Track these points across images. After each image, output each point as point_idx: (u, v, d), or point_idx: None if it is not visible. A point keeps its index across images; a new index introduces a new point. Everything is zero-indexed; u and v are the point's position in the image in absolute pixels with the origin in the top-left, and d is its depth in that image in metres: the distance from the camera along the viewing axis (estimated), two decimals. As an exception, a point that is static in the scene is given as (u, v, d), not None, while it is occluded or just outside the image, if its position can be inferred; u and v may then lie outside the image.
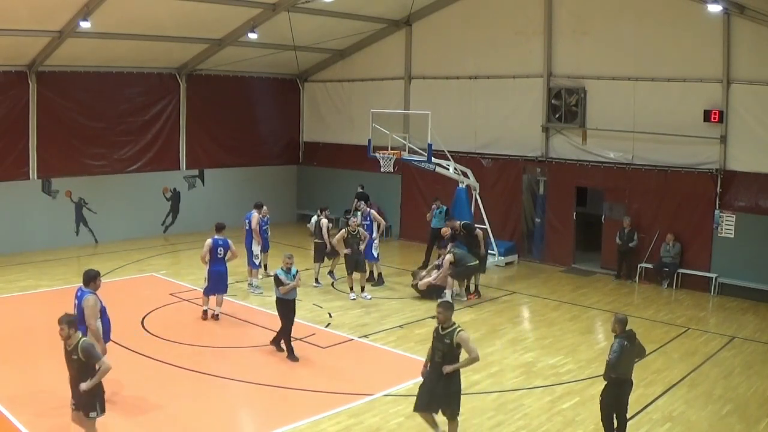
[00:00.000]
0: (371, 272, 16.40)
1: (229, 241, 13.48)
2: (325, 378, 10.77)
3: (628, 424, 9.24)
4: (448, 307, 8.30)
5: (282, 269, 11.55)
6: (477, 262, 15.17)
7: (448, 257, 14.86)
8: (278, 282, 11.47)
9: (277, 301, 11.64)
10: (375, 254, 16.24)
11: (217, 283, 13.43)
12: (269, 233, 16.48)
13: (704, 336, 13.23)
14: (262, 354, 11.83)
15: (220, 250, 13.36)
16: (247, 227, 15.51)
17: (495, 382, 10.71)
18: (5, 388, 9.92)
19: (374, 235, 16.21)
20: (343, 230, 15.26)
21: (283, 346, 11.61)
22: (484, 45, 19.81)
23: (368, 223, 16.25)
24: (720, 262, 16.25)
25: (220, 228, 13.72)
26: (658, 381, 10.81)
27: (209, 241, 13.42)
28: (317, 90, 24.61)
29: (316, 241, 16.20)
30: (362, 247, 15.18)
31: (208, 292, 13.51)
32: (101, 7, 15.63)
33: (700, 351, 12.34)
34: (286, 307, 11.53)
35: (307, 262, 16.54)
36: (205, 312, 13.49)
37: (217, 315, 13.43)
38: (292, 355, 11.42)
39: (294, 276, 11.58)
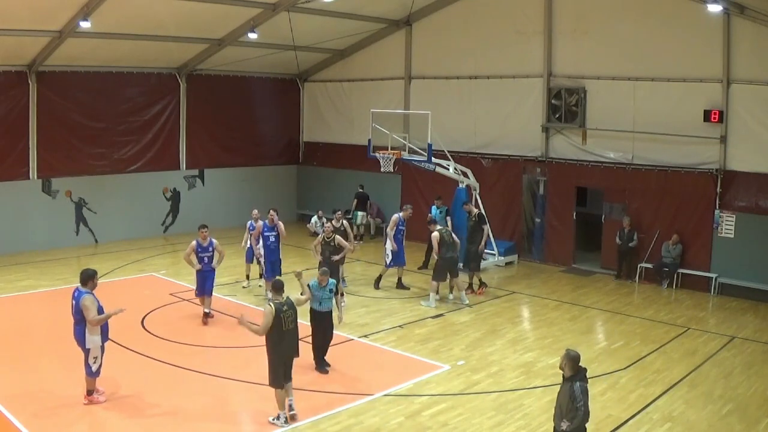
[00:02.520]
0: (399, 279, 16.12)
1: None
2: (325, 378, 10.76)
3: (628, 423, 9.28)
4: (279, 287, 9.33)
5: (316, 282, 10.87)
6: (455, 254, 14.90)
7: (435, 235, 14.68)
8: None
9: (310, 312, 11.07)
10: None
11: None
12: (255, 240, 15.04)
13: (704, 336, 13.23)
14: (262, 354, 11.79)
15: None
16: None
17: (495, 382, 10.71)
18: (5, 388, 9.91)
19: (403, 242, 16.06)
20: (321, 236, 14.63)
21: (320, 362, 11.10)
22: (484, 45, 19.80)
23: (403, 228, 16.03)
24: (720, 262, 16.25)
25: None
26: (658, 381, 10.82)
27: None
28: (317, 90, 24.60)
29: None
30: (336, 258, 14.13)
31: None
32: (101, 7, 15.63)
33: (700, 351, 12.34)
34: (314, 319, 10.94)
35: (308, 262, 16.52)
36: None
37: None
38: (320, 366, 10.97)
39: (331, 291, 10.84)
